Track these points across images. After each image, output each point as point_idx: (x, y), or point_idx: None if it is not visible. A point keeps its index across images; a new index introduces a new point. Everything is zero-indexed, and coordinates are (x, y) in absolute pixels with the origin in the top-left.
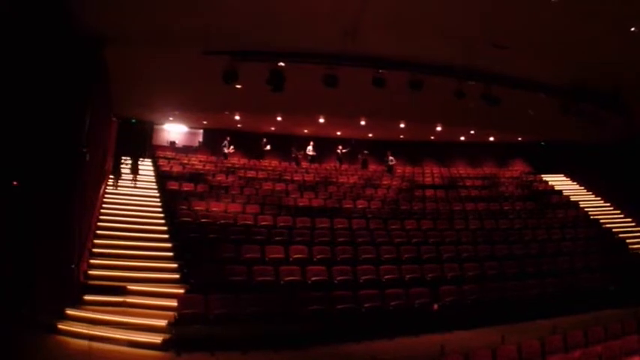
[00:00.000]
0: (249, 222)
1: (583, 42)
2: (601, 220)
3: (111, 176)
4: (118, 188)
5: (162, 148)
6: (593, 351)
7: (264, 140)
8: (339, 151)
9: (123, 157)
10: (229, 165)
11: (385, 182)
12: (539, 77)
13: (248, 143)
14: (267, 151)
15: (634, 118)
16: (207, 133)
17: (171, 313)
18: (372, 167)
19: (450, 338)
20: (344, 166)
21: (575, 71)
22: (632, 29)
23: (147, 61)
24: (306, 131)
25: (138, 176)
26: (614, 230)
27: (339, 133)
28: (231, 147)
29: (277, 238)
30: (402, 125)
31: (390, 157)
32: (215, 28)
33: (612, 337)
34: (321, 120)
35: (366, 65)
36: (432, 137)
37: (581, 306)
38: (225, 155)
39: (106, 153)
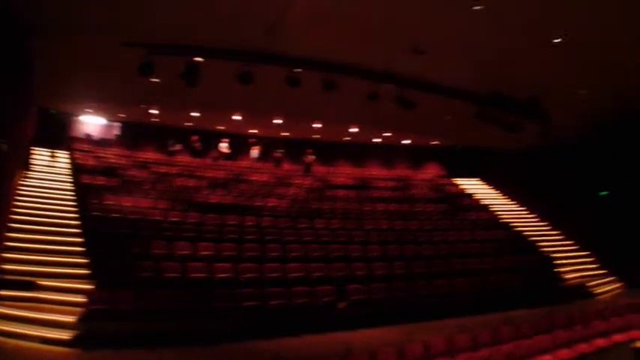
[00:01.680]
0: (159, 218)
1: (502, 51)
2: (513, 223)
3: (27, 168)
4: (34, 180)
5: (79, 140)
6: (502, 350)
7: (172, 141)
8: (254, 149)
9: (40, 148)
10: (143, 160)
11: (297, 181)
12: (456, 83)
13: (163, 138)
14: (177, 150)
15: (550, 125)
16: (124, 126)
17: (80, 309)
18: (285, 166)
19: (356, 336)
20: (258, 165)
21: (492, 79)
22: (556, 41)
23: (66, 51)
24: (222, 128)
25: (54, 168)
26: (525, 233)
27: (255, 131)
28: (177, 145)
29: (186, 235)
30: (316, 125)
31: (310, 155)
32: (133, 20)
33: (522, 337)
34: (237, 117)
35: (282, 64)
36: (347, 138)
37: (491, 306)
38: (171, 153)
39: (25, 144)
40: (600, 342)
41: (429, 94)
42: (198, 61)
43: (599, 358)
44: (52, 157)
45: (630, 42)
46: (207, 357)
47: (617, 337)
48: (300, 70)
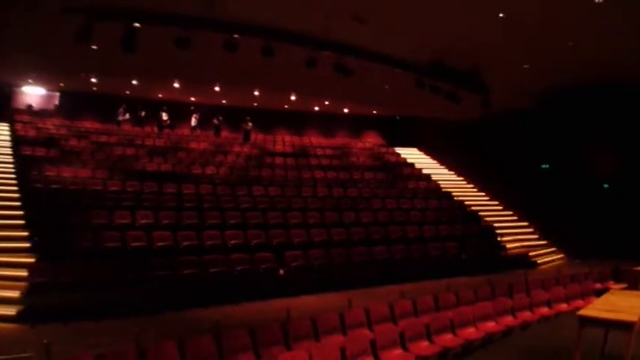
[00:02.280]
0: (98, 187)
1: (443, 21)
2: (453, 193)
3: None
4: None
5: (20, 112)
6: (444, 316)
7: (122, 109)
8: (194, 118)
9: None
10: (83, 130)
11: (236, 149)
12: (397, 53)
13: (104, 107)
14: (126, 120)
15: (491, 96)
16: (63, 96)
17: (23, 284)
18: (224, 134)
19: (297, 303)
20: (196, 133)
21: (433, 48)
22: (500, 15)
23: (6, 18)
24: (160, 96)
25: None
26: (466, 203)
27: (193, 99)
28: (127, 114)
29: (125, 204)
30: (256, 93)
31: (249, 123)
32: None
33: (465, 303)
34: (176, 85)
35: (220, 30)
36: (286, 106)
37: (432, 274)
38: (119, 122)
39: None
40: (544, 310)
41: (368, 62)
42: (137, 27)
43: (543, 326)
44: None
45: (571, 18)
46: (149, 326)
47: (561, 307)
48: (238, 35)
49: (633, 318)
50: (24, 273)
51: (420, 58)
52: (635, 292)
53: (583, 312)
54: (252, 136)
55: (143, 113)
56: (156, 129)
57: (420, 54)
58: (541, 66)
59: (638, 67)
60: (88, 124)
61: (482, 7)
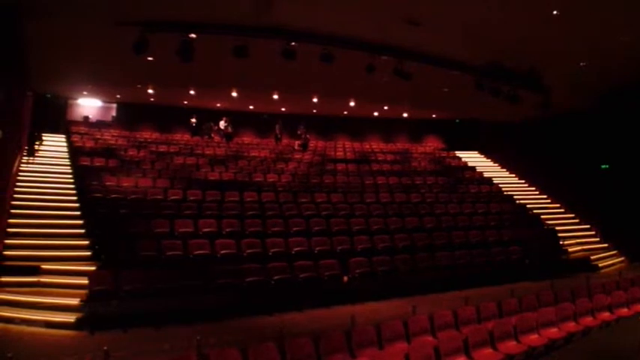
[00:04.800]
0: (159, 196)
1: (501, 22)
2: (515, 196)
3: (25, 152)
4: (32, 165)
5: (76, 123)
6: (508, 322)
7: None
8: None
9: (38, 133)
10: (141, 140)
11: (297, 156)
12: (454, 55)
13: (161, 117)
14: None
15: (551, 96)
16: (120, 107)
17: (83, 292)
18: (285, 141)
19: (360, 310)
20: (256, 140)
21: (491, 50)
22: (555, 12)
23: (61, 33)
24: (219, 105)
25: (51, 152)
26: (528, 206)
27: (251, 107)
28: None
29: (187, 212)
30: (314, 100)
31: (303, 131)
32: None
33: (527, 309)
34: (234, 94)
35: (277, 37)
36: (346, 112)
37: (494, 279)
38: (197, 133)
39: (21, 128)
40: (605, 315)
41: (427, 65)
42: (193, 38)
43: (604, 331)
44: (38, 143)
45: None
46: (212, 333)
47: (622, 311)
48: (295, 43)
49: None
50: (84, 281)
51: (478, 59)
52: None
53: None
54: (313, 143)
55: (193, 122)
56: (210, 138)
57: (478, 55)
58: (598, 63)
59: None
60: (147, 134)
61: (535, 4)
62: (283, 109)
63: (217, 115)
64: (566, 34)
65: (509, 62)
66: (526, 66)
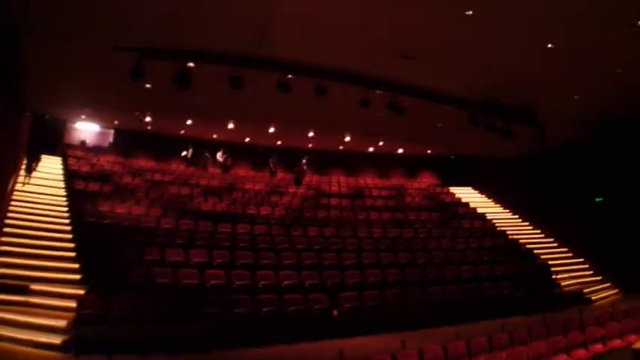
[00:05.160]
0: (151, 224)
1: (496, 56)
2: (508, 231)
3: (22, 172)
4: (28, 185)
5: (73, 146)
6: (498, 356)
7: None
8: (271, 164)
9: (35, 153)
10: (137, 167)
11: (291, 190)
12: (449, 90)
13: (158, 146)
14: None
15: (546, 131)
16: (118, 133)
17: (71, 314)
18: (280, 175)
19: (349, 344)
20: (251, 173)
21: (486, 85)
22: (549, 46)
23: (60, 54)
24: (215, 136)
25: (47, 173)
26: (521, 241)
27: (248, 140)
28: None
29: (178, 241)
30: (310, 134)
31: (304, 163)
32: (125, 23)
33: (518, 343)
34: (231, 125)
35: (272, 69)
36: (341, 147)
37: (486, 314)
38: (205, 166)
39: (18, 148)
40: (598, 347)
41: (421, 99)
42: (190, 66)
43: None
44: (35, 163)
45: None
46: None
47: (616, 343)
48: (291, 75)
49: None
50: (73, 304)
51: (473, 94)
52: None
53: (638, 345)
54: (308, 178)
55: (187, 153)
56: (205, 169)
57: (473, 90)
58: (591, 96)
59: None
60: (143, 162)
61: (529, 39)
62: (279, 143)
63: (214, 146)
64: (560, 67)
65: (503, 97)
66: (521, 101)
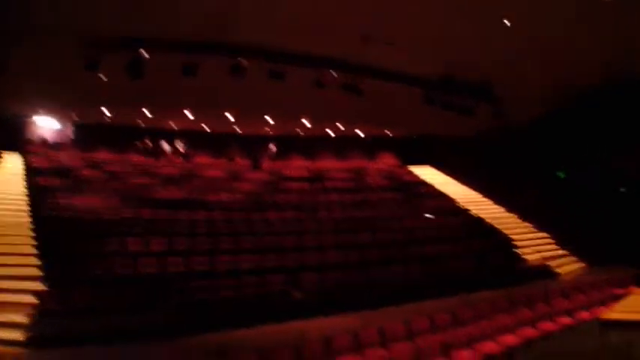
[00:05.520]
0: (111, 216)
1: (453, 34)
2: (470, 208)
3: None
4: None
5: (33, 143)
6: (462, 331)
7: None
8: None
9: None
10: (96, 160)
11: (251, 176)
12: (405, 68)
13: (118, 139)
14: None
15: (503, 106)
16: (77, 128)
17: (33, 310)
18: (239, 161)
19: (312, 325)
20: (210, 161)
21: (442, 62)
22: (506, 22)
23: (13, 48)
24: (174, 126)
25: (7, 170)
26: (483, 217)
27: (206, 128)
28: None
29: (138, 231)
30: (268, 119)
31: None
32: (77, 16)
33: (483, 317)
34: (188, 113)
35: (226, 54)
36: (300, 132)
37: (450, 291)
38: (164, 156)
39: None
40: (565, 320)
41: (379, 80)
42: (143, 55)
43: (565, 336)
44: None
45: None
46: (159, 351)
47: (583, 315)
48: (244, 59)
49: None
50: (34, 299)
51: (430, 73)
52: None
53: (605, 315)
54: (267, 163)
55: (145, 143)
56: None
57: (430, 69)
58: (553, 73)
59: None
60: (102, 155)
61: (486, 16)
62: (239, 130)
63: (173, 135)
64: (519, 44)
65: (460, 74)
66: (478, 77)
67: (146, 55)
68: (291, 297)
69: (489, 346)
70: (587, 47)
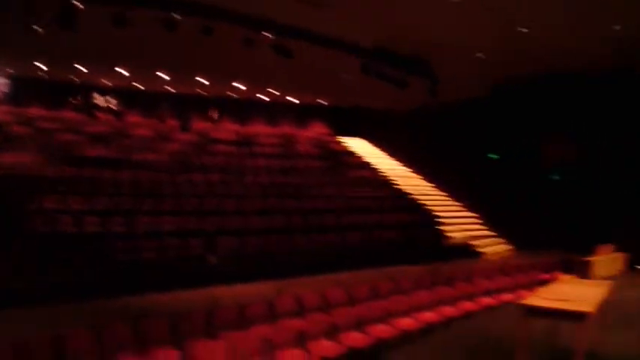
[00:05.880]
0: (36, 173)
1: (394, 4)
2: (398, 182)
3: None
4: None
5: None
6: (380, 305)
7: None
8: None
9: None
10: (28, 116)
11: (179, 137)
12: (342, 36)
13: (51, 94)
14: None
15: (439, 83)
16: (12, 82)
17: None
18: (170, 122)
19: (229, 291)
20: (140, 120)
21: (380, 33)
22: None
23: None
24: (108, 83)
25: None
26: (412, 192)
27: (139, 86)
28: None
29: (60, 189)
30: (200, 79)
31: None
32: None
33: (402, 292)
34: (121, 70)
35: (157, 7)
36: (232, 94)
37: (371, 262)
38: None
39: None
40: (487, 300)
41: (312, 45)
42: (75, 5)
43: (488, 316)
44: None
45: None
46: (74, 314)
47: (506, 297)
48: (177, 14)
49: (586, 308)
50: None
51: (367, 42)
52: (587, 281)
53: (528, 301)
54: (197, 125)
55: (77, 100)
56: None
57: (367, 38)
58: (493, 54)
59: (591, 57)
60: (35, 111)
61: None
62: (172, 90)
63: (106, 93)
64: (461, 21)
65: (398, 47)
66: (416, 52)
67: (80, 6)
68: (207, 261)
69: (406, 322)
70: (530, 33)
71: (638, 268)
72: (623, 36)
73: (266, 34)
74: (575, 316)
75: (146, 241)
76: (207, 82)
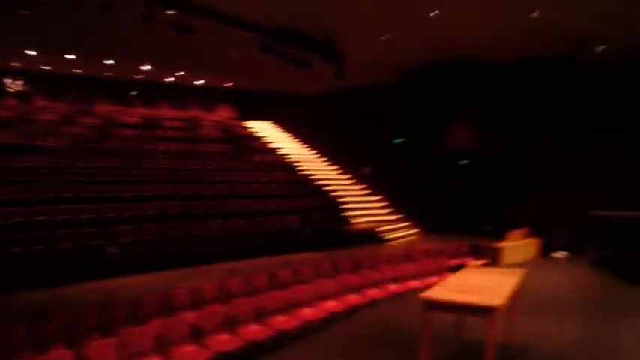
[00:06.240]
0: None
1: None
2: (301, 167)
3: None
4: None
5: None
6: (280, 295)
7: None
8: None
9: None
10: None
11: (83, 120)
12: (243, 14)
13: None
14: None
15: (345, 67)
16: None
17: None
18: (75, 105)
19: (124, 283)
20: (46, 103)
21: (285, 11)
22: None
23: None
24: (17, 64)
25: None
26: (314, 177)
27: (49, 68)
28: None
29: None
30: (107, 61)
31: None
32: None
33: (304, 281)
34: (31, 52)
35: None
36: (138, 77)
37: (272, 249)
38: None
39: None
40: (394, 287)
41: (212, 22)
42: None
43: (393, 305)
44: None
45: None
46: None
47: (413, 284)
48: None
49: (495, 301)
50: None
51: (271, 21)
52: (497, 269)
53: (431, 294)
54: (101, 108)
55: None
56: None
57: (271, 17)
58: (401, 39)
59: (498, 45)
60: None
61: None
62: (79, 71)
63: (14, 74)
64: (369, 5)
65: (303, 27)
66: (321, 33)
67: None
68: (106, 252)
69: (308, 312)
70: (439, 20)
71: (552, 256)
72: (536, 25)
73: (167, 11)
74: (483, 310)
75: (38, 232)
76: (113, 62)
